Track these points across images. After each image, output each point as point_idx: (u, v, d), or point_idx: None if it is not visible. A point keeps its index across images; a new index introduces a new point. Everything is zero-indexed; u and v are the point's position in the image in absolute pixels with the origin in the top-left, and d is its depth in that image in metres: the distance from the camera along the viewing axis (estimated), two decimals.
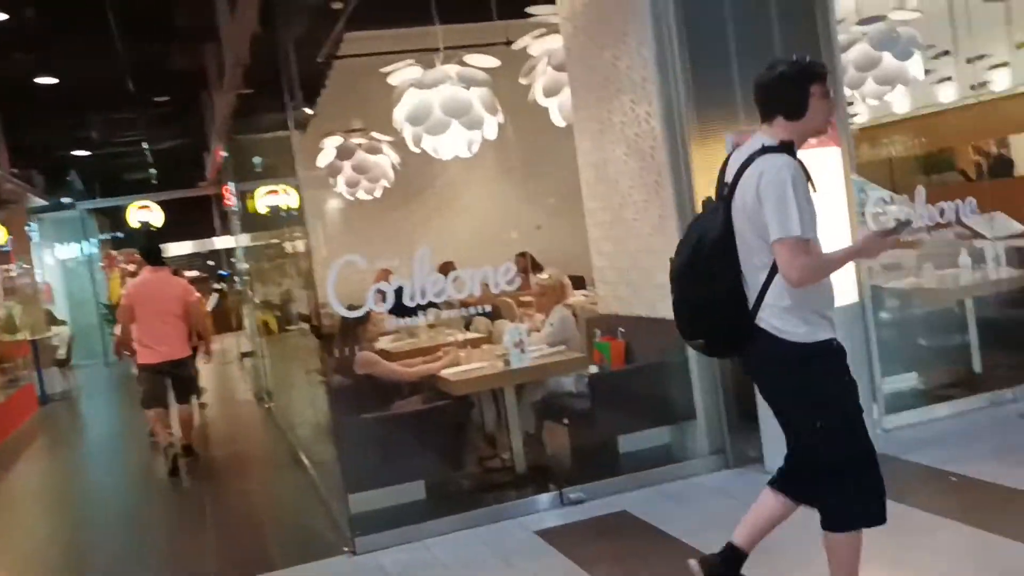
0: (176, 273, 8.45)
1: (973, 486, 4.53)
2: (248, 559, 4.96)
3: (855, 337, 5.26)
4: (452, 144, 6.32)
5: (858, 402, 3.08)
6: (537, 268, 10.43)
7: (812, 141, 5.12)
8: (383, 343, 7.15)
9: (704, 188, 5.28)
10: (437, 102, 6.02)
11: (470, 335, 6.96)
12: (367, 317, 5.02)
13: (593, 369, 5.75)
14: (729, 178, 3.09)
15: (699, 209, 5.30)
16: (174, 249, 22.82)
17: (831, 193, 5.20)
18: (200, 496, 6.83)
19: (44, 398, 13.14)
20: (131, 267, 21.78)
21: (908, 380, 6.00)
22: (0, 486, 8.27)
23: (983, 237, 6.52)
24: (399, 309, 4.82)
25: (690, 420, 5.42)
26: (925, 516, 4.21)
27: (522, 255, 10.64)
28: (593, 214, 6.31)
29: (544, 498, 5.04)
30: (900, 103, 8.79)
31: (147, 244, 9.01)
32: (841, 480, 3.01)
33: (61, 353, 14.16)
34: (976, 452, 5.01)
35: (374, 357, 5.33)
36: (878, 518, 3.03)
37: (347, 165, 9.25)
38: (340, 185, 9.47)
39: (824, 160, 5.19)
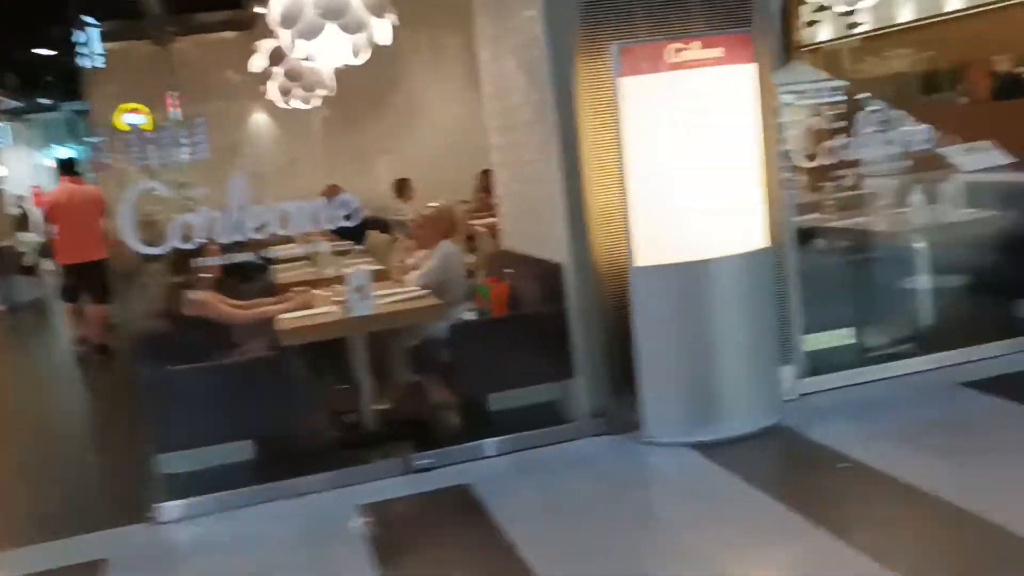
0: None
1: (861, 476, 3.80)
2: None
3: (767, 285, 4.49)
4: (332, 50, 5.50)
5: None
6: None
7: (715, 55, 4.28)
8: (281, 273, 6.49)
9: (591, 108, 4.45)
10: (309, 1, 5.21)
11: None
12: (184, 252, 4.34)
13: (469, 315, 5.05)
14: None
15: (584, 136, 4.55)
16: None
17: (740, 117, 4.37)
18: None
19: (10, 305, 12.79)
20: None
21: (836, 337, 5.17)
22: None
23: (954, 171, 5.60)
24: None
25: (569, 378, 4.72)
26: (784, 512, 3.55)
27: (485, 172, 9.82)
28: (492, 135, 5.51)
29: (387, 464, 4.42)
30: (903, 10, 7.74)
31: (64, 158, 9.59)
32: None
33: (28, 260, 13.76)
34: (886, 429, 4.26)
35: (206, 297, 4.66)
36: None
37: (279, 71, 8.43)
38: (272, 92, 8.67)
39: (732, 80, 4.34)
